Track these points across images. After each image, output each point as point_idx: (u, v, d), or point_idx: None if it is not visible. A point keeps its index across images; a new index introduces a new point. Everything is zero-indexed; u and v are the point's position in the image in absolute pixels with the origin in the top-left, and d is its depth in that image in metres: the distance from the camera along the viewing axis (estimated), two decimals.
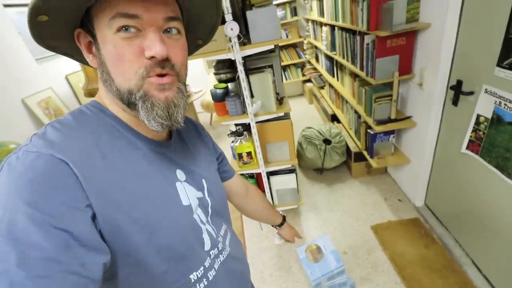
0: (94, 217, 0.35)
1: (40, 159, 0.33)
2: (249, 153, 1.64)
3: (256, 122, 1.50)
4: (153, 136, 0.47)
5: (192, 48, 0.55)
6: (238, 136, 1.63)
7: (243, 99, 1.43)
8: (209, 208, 0.54)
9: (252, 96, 1.40)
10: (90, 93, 2.79)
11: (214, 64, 1.63)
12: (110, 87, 0.40)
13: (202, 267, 0.48)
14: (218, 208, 0.56)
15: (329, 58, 2.90)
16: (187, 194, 0.48)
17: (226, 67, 1.54)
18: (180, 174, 0.49)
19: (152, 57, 0.37)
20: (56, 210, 0.31)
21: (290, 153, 1.68)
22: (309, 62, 3.97)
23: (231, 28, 1.19)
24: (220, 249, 0.53)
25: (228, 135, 1.69)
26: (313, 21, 3.40)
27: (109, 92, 0.42)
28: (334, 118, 3.00)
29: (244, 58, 1.32)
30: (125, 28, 0.36)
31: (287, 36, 4.00)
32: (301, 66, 4.24)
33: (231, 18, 1.18)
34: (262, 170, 1.66)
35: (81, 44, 0.42)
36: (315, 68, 3.81)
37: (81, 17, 0.39)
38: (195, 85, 4.20)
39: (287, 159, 1.70)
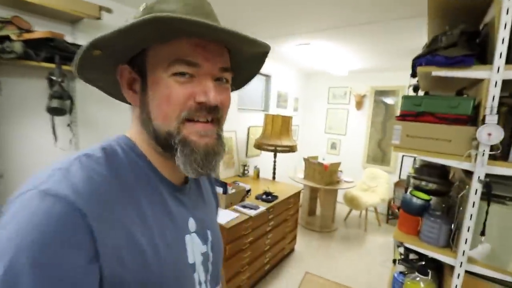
0: (101, 275, 0.32)
1: (57, 205, 0.30)
2: None
3: (467, 272, 0.95)
4: (174, 180, 0.46)
5: None
6: (419, 272, 1.10)
7: (455, 228, 0.96)
8: (209, 264, 0.50)
9: (482, 233, 0.90)
10: (258, 145, 3.07)
11: (415, 165, 1.28)
12: (147, 127, 0.41)
13: None
14: (216, 264, 0.53)
15: None
16: (194, 249, 0.46)
17: (436, 175, 1.15)
18: (191, 224, 0.47)
19: (202, 102, 0.38)
20: (66, 274, 0.29)
21: None
22: None
23: (489, 133, 0.84)
24: None
25: (398, 260, 1.20)
26: None
27: (143, 131, 0.42)
28: None
29: (489, 176, 0.90)
30: (182, 73, 0.37)
31: None
32: None
33: (495, 121, 0.84)
34: None
35: (123, 80, 0.42)
36: None
37: (134, 54, 0.40)
38: (347, 173, 3.90)
39: None
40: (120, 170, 0.38)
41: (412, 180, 1.20)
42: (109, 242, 0.32)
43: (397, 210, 3.67)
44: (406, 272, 1.20)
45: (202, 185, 0.56)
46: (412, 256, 1.26)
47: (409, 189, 1.25)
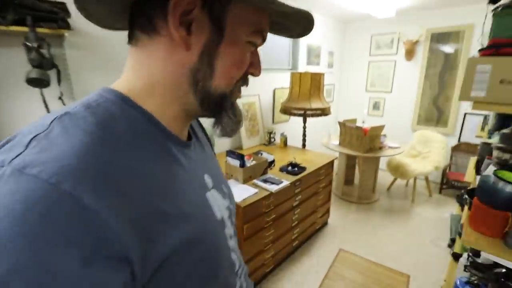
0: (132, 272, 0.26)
1: (48, 195, 0.23)
2: None
3: None
4: (181, 136, 0.40)
5: None
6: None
7: None
8: (233, 218, 0.49)
9: None
10: (284, 109, 2.71)
11: (487, 125, 0.84)
12: (195, 79, 0.35)
13: None
14: (235, 215, 0.51)
15: None
16: (218, 205, 0.43)
17: None
18: (207, 180, 0.43)
19: (251, 73, 0.39)
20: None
21: None
22: None
23: None
24: (241, 264, 0.49)
25: (465, 267, 0.85)
26: None
27: (182, 84, 0.35)
28: None
29: None
30: (254, 44, 0.38)
31: None
32: None
33: None
34: None
35: (178, 10, 0.32)
36: None
37: None
38: (392, 137, 3.37)
39: None
40: (117, 127, 0.31)
41: (496, 153, 0.79)
42: (134, 225, 0.27)
43: (454, 181, 3.12)
44: (473, 282, 0.86)
45: (201, 138, 0.51)
46: (483, 256, 0.90)
47: (489, 166, 0.84)
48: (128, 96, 0.34)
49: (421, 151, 3.30)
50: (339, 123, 3.02)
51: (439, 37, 3.26)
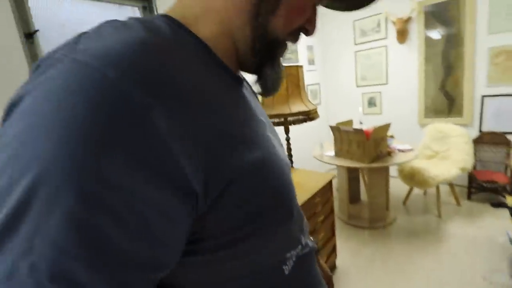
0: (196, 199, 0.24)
1: (109, 88, 0.20)
2: None
3: None
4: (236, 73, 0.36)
5: None
6: None
7: None
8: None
9: None
10: None
11: None
12: (255, 16, 0.31)
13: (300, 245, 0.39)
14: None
15: None
16: (281, 152, 0.38)
17: None
18: (265, 121, 0.40)
19: (305, 29, 0.35)
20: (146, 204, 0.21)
21: None
22: None
23: None
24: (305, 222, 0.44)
25: None
26: None
27: (242, 14, 0.31)
28: None
29: None
30: None
31: None
32: None
33: None
34: None
35: None
36: None
37: None
38: (398, 137, 2.72)
39: None
40: (171, 45, 0.27)
41: None
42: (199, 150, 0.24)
43: (485, 182, 2.45)
44: None
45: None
46: None
47: None
48: (182, 23, 0.30)
49: (438, 150, 2.64)
50: (331, 127, 2.35)
51: (434, 9, 2.69)
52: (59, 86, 0.19)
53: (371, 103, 3.34)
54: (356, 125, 2.45)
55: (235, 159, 0.27)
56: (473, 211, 2.44)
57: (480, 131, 2.67)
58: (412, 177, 2.37)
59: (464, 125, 2.70)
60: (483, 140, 2.63)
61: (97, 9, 1.64)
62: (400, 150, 2.31)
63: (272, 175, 0.31)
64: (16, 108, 0.20)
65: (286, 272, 0.36)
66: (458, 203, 2.55)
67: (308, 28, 0.35)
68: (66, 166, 0.18)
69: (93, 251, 0.18)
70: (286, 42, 0.35)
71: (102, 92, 0.19)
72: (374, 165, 2.09)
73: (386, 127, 2.18)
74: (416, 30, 2.83)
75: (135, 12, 1.61)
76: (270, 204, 0.31)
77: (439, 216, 2.40)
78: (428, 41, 2.79)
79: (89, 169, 0.18)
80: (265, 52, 0.33)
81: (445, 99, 2.81)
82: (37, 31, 1.19)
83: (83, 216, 0.18)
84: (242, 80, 0.36)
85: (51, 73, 0.20)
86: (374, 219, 2.38)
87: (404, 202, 2.69)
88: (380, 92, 3.25)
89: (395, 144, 2.41)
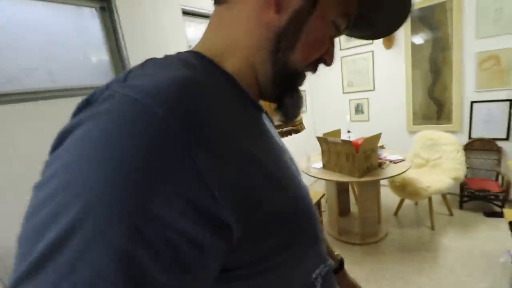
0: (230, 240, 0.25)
1: (153, 121, 0.21)
2: None
3: None
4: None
5: None
6: None
7: None
8: None
9: None
10: None
11: None
12: (276, 51, 0.33)
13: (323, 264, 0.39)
14: None
15: None
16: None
17: None
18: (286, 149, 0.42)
19: (323, 60, 0.37)
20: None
21: None
22: None
23: None
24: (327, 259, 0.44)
25: None
26: None
27: (263, 49, 0.33)
28: None
29: None
30: (338, 28, 0.35)
31: None
32: None
33: None
34: None
35: None
36: None
37: None
38: (391, 146, 2.61)
39: None
40: (206, 80, 0.29)
41: None
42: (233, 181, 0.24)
43: (477, 190, 2.36)
44: None
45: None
46: None
47: None
48: (210, 58, 0.32)
49: (429, 158, 2.55)
50: (318, 139, 2.20)
51: (421, 14, 2.62)
52: (111, 120, 0.21)
53: (359, 110, 3.23)
54: (344, 134, 2.31)
55: (269, 197, 0.28)
56: (466, 221, 2.34)
57: (470, 137, 2.60)
58: (403, 188, 2.25)
59: (453, 132, 2.63)
60: (473, 146, 2.56)
61: (50, 12, 1.42)
62: (391, 161, 2.19)
63: (301, 213, 0.32)
64: (67, 137, 0.22)
65: None
66: (450, 213, 2.45)
67: (327, 58, 0.36)
68: (115, 199, 0.19)
69: (132, 281, 0.19)
70: (305, 73, 0.36)
71: (151, 128, 0.21)
72: (365, 179, 1.95)
73: (377, 137, 2.04)
74: (403, 34, 2.75)
75: (92, 13, 1.40)
76: (299, 233, 0.32)
77: (432, 228, 2.28)
78: (415, 46, 2.71)
79: (135, 203, 0.19)
80: (285, 84, 0.35)
81: (434, 105, 2.74)
82: None
83: (126, 248, 0.19)
84: (263, 109, 0.38)
85: (103, 107, 0.22)
86: (365, 234, 2.23)
87: (396, 213, 2.57)
88: (367, 99, 3.14)
89: (385, 154, 2.29)
